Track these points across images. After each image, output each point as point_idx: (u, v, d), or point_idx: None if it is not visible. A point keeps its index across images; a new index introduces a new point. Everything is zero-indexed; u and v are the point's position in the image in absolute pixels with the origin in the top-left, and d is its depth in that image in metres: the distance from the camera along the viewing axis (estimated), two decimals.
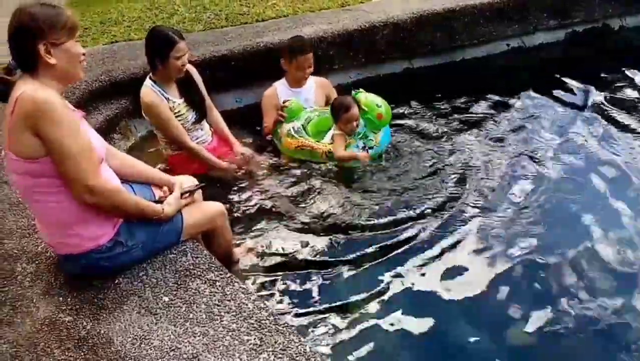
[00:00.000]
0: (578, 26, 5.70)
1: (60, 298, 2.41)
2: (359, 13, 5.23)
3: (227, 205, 3.55)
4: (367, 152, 3.86)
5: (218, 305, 2.31)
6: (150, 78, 3.67)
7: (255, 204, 3.67)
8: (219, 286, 2.41)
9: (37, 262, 2.61)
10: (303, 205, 3.63)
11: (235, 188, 3.81)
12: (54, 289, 2.47)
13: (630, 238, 3.17)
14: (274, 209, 3.61)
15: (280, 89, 4.26)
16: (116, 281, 2.46)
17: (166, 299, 2.36)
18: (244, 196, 3.75)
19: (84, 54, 2.27)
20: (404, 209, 3.47)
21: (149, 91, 3.62)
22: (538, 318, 2.70)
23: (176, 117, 3.69)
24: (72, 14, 2.22)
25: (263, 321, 2.21)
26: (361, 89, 3.91)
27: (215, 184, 3.76)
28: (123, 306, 2.34)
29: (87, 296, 2.41)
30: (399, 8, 5.17)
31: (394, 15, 5.01)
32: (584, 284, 2.89)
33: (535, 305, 2.78)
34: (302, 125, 4.08)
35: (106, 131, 4.06)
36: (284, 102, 4.12)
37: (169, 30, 3.57)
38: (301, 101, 4.23)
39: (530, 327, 2.67)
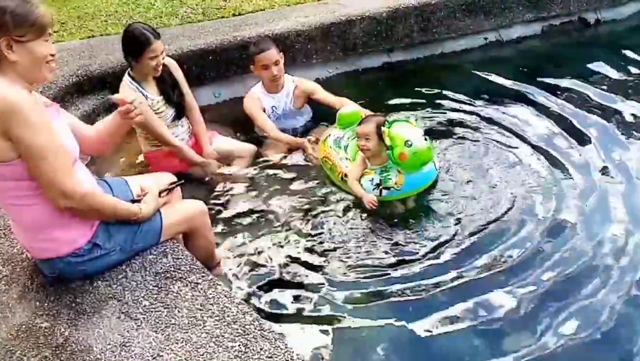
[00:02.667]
0: (554, 19, 5.64)
1: (37, 303, 2.32)
2: (335, 6, 5.12)
3: (208, 204, 3.45)
4: (381, 192, 3.35)
5: (200, 309, 2.23)
6: (128, 74, 3.55)
7: (238, 203, 3.57)
8: (201, 289, 2.33)
9: (12, 264, 2.52)
10: (288, 205, 3.52)
11: (217, 187, 3.71)
12: (30, 293, 2.37)
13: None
14: (257, 209, 3.51)
15: (260, 95, 4.06)
16: (94, 285, 2.37)
17: (146, 303, 2.28)
18: (226, 194, 3.65)
19: (52, 55, 2.14)
20: (392, 216, 3.37)
21: (127, 89, 3.50)
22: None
23: (155, 114, 3.57)
24: (45, 12, 2.09)
25: (247, 327, 2.14)
26: (408, 120, 3.50)
27: (195, 183, 3.68)
28: (102, 311, 2.26)
29: (64, 300, 2.32)
30: (376, 1, 5.07)
31: (370, 8, 4.92)
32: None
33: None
34: (347, 138, 3.74)
35: None
36: (276, 118, 3.99)
37: (144, 29, 3.42)
38: (282, 105, 4.08)
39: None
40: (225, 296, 2.31)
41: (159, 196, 2.56)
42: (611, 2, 5.82)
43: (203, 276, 2.40)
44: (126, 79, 3.53)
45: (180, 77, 3.75)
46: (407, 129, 3.32)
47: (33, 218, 2.21)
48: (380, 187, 3.36)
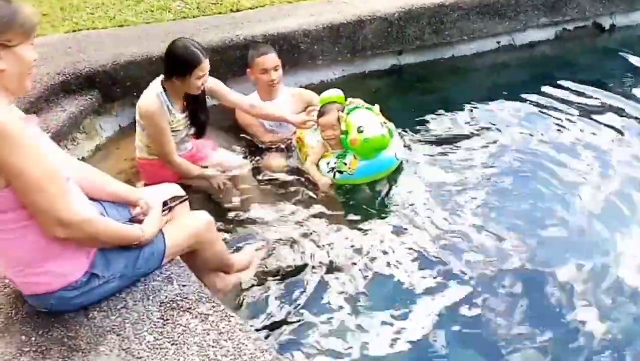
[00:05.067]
0: (569, 24, 5.52)
1: (23, 337, 2.08)
2: (341, 5, 4.93)
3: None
4: (335, 175, 3.47)
5: (213, 346, 2.01)
6: (161, 84, 3.30)
7: (240, 215, 3.38)
8: (213, 321, 2.11)
9: None
10: (291, 215, 3.36)
11: (217, 198, 3.53)
12: (14, 326, 2.13)
13: None
14: (263, 219, 3.33)
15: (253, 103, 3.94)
16: (90, 316, 2.14)
17: (150, 338, 2.05)
18: (227, 207, 3.45)
19: (35, 60, 1.93)
20: (405, 233, 3.22)
21: (155, 98, 3.26)
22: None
23: (171, 130, 3.36)
24: (31, 12, 1.89)
25: None
26: (371, 108, 3.51)
27: (191, 194, 3.46)
28: (99, 348, 2.02)
29: (55, 334, 2.08)
30: (385, 1, 4.89)
31: (381, 9, 4.73)
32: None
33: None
34: None
35: (69, 130, 3.72)
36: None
37: (194, 46, 3.22)
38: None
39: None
40: (241, 330, 2.09)
41: (162, 213, 2.33)
42: (627, 7, 5.70)
43: (214, 307, 2.18)
44: (157, 89, 3.28)
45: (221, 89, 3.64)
46: (364, 116, 3.43)
47: (24, 251, 1.99)
48: (335, 170, 3.48)
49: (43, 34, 4.54)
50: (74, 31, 4.69)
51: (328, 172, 3.49)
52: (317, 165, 3.57)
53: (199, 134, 3.54)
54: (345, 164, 3.44)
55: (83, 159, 3.69)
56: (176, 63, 3.21)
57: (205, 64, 3.21)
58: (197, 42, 3.32)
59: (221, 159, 3.69)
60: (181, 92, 3.33)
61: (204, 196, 3.51)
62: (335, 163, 3.47)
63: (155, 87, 3.30)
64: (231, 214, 3.38)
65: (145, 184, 3.52)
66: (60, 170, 1.95)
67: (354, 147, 3.37)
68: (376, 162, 3.46)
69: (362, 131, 3.33)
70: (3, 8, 1.83)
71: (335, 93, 3.74)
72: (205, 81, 3.28)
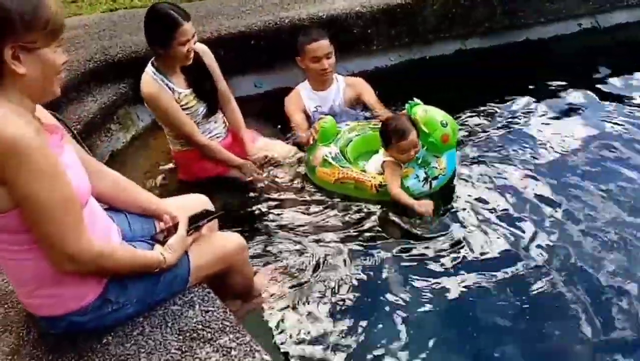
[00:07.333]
0: None
1: None
2: None
3: (245, 214, 3.36)
4: (431, 185, 3.32)
5: None
6: (152, 64, 3.32)
7: (281, 217, 3.35)
8: (235, 356, 2.02)
9: (5, 306, 2.26)
10: (339, 219, 3.32)
11: (257, 196, 3.50)
12: (25, 348, 2.10)
13: None
14: (303, 224, 3.29)
15: (303, 93, 3.93)
16: (104, 341, 2.08)
17: None
18: (267, 208, 3.42)
19: (64, 63, 1.84)
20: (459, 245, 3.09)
21: (149, 80, 3.29)
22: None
23: (183, 110, 3.37)
24: (57, 10, 1.76)
25: None
26: (417, 100, 3.33)
27: (233, 189, 3.51)
28: None
29: (66, 360, 2.03)
30: None
31: None
32: None
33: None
34: (340, 150, 3.57)
35: (102, 120, 3.74)
36: (319, 119, 3.71)
37: (171, 8, 3.19)
38: (328, 105, 3.92)
39: None
40: None
41: (187, 233, 2.25)
42: None
43: (238, 337, 2.09)
44: (149, 70, 3.32)
45: (213, 65, 3.54)
46: (429, 110, 3.29)
47: (31, 274, 1.94)
48: (429, 179, 3.34)
49: (78, 14, 4.57)
50: (111, 11, 4.70)
51: (423, 185, 3.33)
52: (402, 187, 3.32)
53: (210, 110, 3.50)
54: (435, 167, 3.34)
55: (118, 151, 3.73)
56: (154, 33, 3.22)
57: (187, 27, 3.17)
58: (176, 5, 3.27)
59: (265, 146, 3.67)
60: (173, 65, 3.32)
61: (233, 193, 3.50)
62: (425, 173, 3.32)
63: (147, 69, 3.31)
64: (262, 222, 3.35)
65: (182, 180, 3.56)
66: (78, 196, 1.88)
67: (447, 143, 3.26)
68: (452, 151, 3.42)
69: (445, 125, 3.23)
70: (25, 3, 1.70)
71: (333, 120, 3.66)
72: (192, 47, 3.24)
